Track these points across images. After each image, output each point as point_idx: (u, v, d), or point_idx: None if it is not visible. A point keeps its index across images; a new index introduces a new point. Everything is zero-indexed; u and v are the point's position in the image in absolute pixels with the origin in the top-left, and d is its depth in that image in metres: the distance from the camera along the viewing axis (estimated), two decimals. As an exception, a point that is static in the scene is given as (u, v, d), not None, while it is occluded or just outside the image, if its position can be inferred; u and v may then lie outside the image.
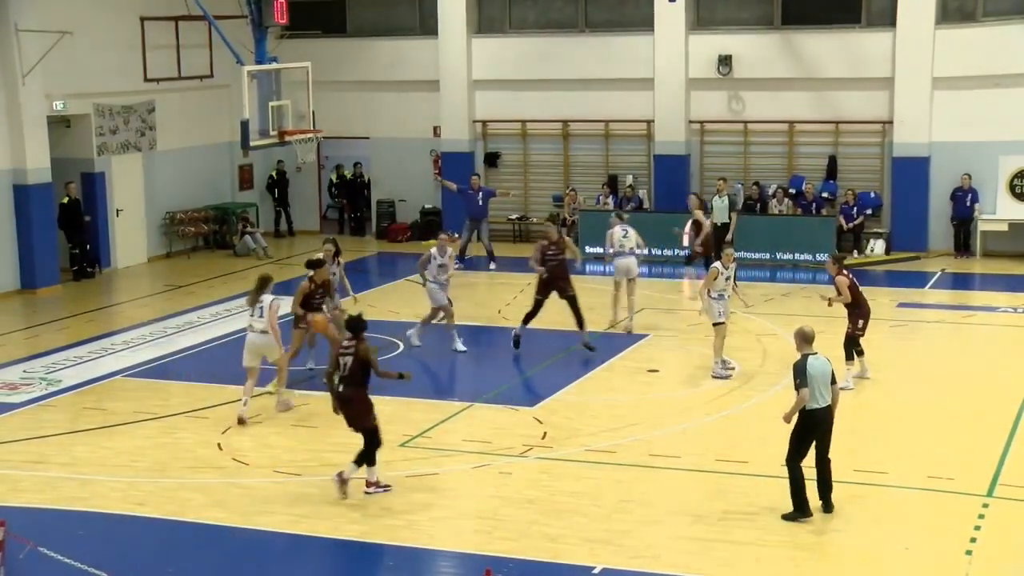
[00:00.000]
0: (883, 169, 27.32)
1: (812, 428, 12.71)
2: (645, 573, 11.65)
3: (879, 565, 11.86)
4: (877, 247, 26.84)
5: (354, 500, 13.52)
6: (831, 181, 27.41)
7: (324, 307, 17.67)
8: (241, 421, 16.22)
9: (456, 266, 21.27)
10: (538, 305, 19.28)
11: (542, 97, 29.25)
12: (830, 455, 12.87)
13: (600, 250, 24.08)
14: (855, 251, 26.61)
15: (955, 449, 14.94)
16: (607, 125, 29.00)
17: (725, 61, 27.62)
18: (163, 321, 22.18)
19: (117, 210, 27.24)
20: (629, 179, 28.43)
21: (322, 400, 17.05)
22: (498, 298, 23.41)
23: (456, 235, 26.09)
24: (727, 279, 18.04)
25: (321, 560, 12.29)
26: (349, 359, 13.45)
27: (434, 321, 19.79)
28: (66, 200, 25.50)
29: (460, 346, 19.57)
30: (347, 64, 30.29)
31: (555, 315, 21.56)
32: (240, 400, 16.38)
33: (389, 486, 13.68)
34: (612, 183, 28.53)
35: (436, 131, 30.16)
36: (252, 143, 22.26)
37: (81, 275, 25.96)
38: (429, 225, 29.85)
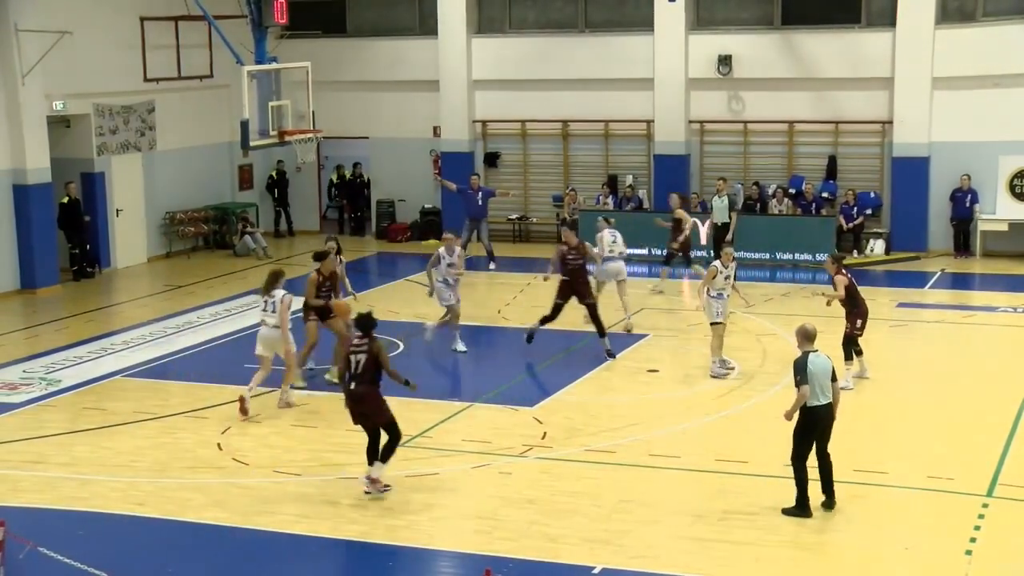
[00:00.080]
0: (883, 169, 27.32)
1: (813, 426, 12.73)
2: (645, 573, 11.65)
3: (879, 565, 11.86)
4: (877, 247, 26.85)
5: (354, 500, 13.52)
6: (831, 181, 27.41)
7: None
8: (243, 404, 16.26)
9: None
10: (556, 309, 19.20)
11: (542, 97, 29.25)
12: (829, 449, 12.90)
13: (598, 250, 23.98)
14: (855, 251, 26.62)
15: (955, 449, 14.94)
16: (607, 125, 29.00)
17: (725, 61, 27.63)
18: (163, 321, 22.18)
19: (117, 210, 27.24)
20: (629, 179, 28.44)
21: (322, 400, 17.09)
22: (498, 298, 23.41)
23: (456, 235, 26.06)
24: (726, 278, 18.05)
25: (321, 560, 12.29)
26: (362, 357, 13.42)
27: (455, 320, 19.66)
28: (66, 200, 25.51)
29: (460, 346, 19.57)
30: (347, 64, 30.30)
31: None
32: (247, 386, 16.48)
33: (389, 486, 13.67)
34: (612, 183, 28.53)
35: (436, 131, 30.16)
36: (252, 143, 22.28)
37: (81, 275, 25.97)
38: (429, 225, 29.88)
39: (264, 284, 16.84)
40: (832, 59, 27.24)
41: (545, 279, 20.30)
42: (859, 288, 17.59)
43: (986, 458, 14.44)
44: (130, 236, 27.60)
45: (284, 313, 16.48)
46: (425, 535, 12.69)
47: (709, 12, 28.40)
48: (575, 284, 19.06)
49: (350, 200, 31.19)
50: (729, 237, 23.96)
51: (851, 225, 26.64)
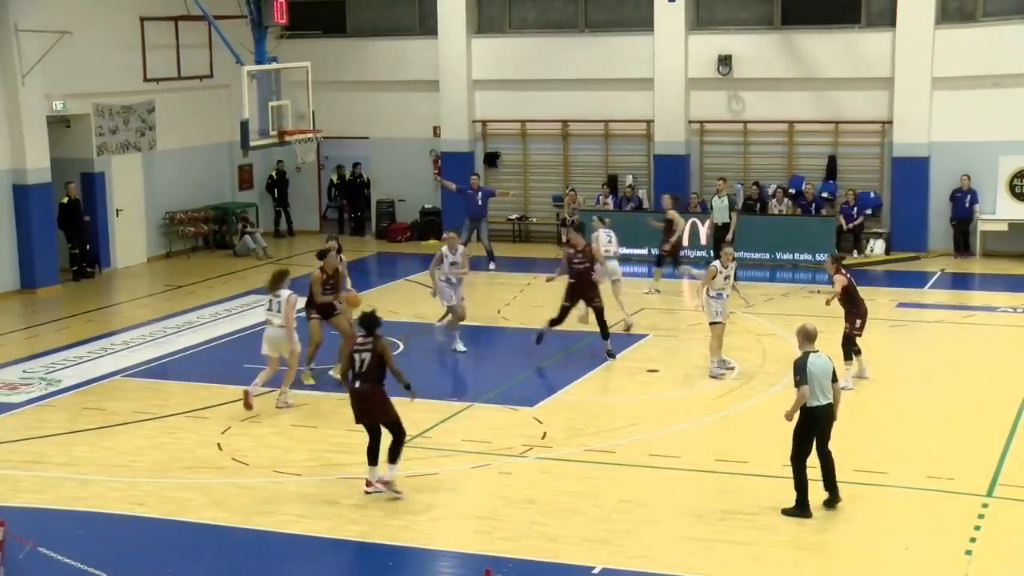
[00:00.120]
0: (883, 169, 27.32)
1: (813, 426, 12.74)
2: (645, 573, 11.65)
3: (879, 565, 11.86)
4: (877, 247, 26.85)
5: (354, 500, 13.52)
6: (831, 181, 27.41)
7: (336, 301, 17.74)
8: (247, 399, 16.31)
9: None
10: (564, 311, 19.15)
11: (542, 97, 29.25)
12: (829, 448, 12.93)
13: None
14: (855, 251, 26.62)
15: (955, 449, 14.94)
16: (607, 125, 29.00)
17: (725, 61, 27.63)
18: (163, 321, 22.18)
19: (117, 210, 27.24)
20: (629, 179, 28.44)
21: (322, 400, 17.09)
22: (498, 298, 23.41)
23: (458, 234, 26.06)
24: (726, 278, 18.06)
25: (321, 560, 12.29)
26: (367, 355, 13.40)
27: (455, 320, 19.64)
28: (66, 200, 25.51)
29: (460, 347, 19.56)
30: (347, 64, 30.30)
31: (554, 315, 21.57)
32: (252, 383, 16.53)
33: (401, 492, 13.62)
34: (612, 183, 28.53)
35: (436, 131, 30.16)
36: (252, 143, 22.27)
37: (81, 275, 25.96)
38: (429, 225, 29.89)
39: (269, 283, 16.90)
40: (832, 59, 27.24)
41: (548, 280, 20.29)
42: (859, 288, 17.59)
43: (986, 458, 14.45)
44: (130, 236, 27.60)
45: (290, 312, 16.55)
46: (425, 535, 12.69)
47: (709, 12, 28.40)
48: (582, 286, 19.01)
49: (350, 200, 31.19)
50: (729, 237, 23.95)
51: (851, 225, 26.64)
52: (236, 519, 13.07)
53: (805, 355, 12.79)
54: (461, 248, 19.60)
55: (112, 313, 23.40)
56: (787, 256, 26.04)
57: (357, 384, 13.44)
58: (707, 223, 25.91)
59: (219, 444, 15.51)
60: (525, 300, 23.31)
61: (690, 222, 26.40)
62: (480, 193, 26.46)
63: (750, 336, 20.09)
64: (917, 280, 24.69)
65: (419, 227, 30.09)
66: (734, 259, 18.44)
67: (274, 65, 23.15)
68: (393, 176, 30.77)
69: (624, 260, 25.09)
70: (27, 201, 24.42)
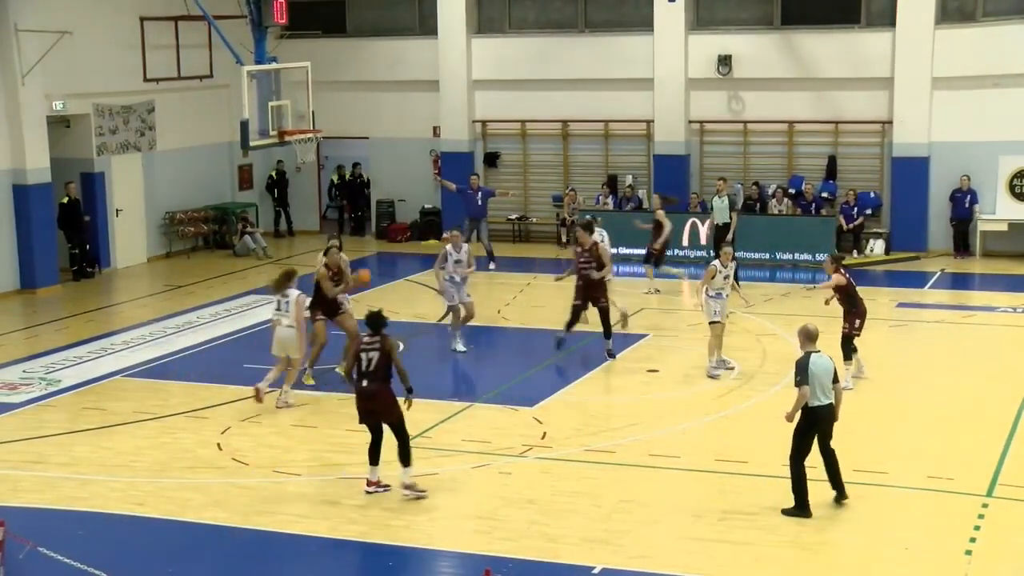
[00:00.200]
0: (883, 169, 27.32)
1: (814, 425, 12.75)
2: (645, 573, 11.65)
3: (879, 565, 11.86)
4: (877, 247, 26.85)
5: (354, 500, 13.53)
6: (831, 181, 27.41)
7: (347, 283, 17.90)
8: (258, 395, 16.45)
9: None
10: (575, 311, 19.05)
11: (542, 97, 29.25)
12: (832, 446, 12.95)
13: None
14: (855, 251, 26.62)
15: (955, 449, 14.94)
16: (607, 125, 29.00)
17: (725, 61, 27.63)
18: (163, 321, 22.18)
19: (117, 210, 27.24)
20: (629, 179, 28.44)
21: (322, 400, 17.09)
22: (498, 298, 23.40)
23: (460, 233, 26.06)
24: (725, 278, 18.06)
25: (321, 560, 12.28)
26: (375, 354, 13.39)
27: (456, 320, 19.63)
28: (66, 200, 25.51)
29: (460, 347, 19.56)
30: (347, 64, 30.30)
31: (555, 315, 21.57)
32: (263, 379, 16.65)
33: (388, 486, 13.68)
34: (612, 183, 28.53)
35: (436, 131, 30.16)
36: (252, 143, 22.28)
37: (81, 275, 25.96)
38: (429, 225, 29.90)
39: (276, 283, 16.96)
40: (832, 59, 27.23)
41: (557, 280, 20.32)
42: (859, 288, 17.59)
43: (986, 458, 14.45)
44: (130, 236, 27.60)
45: (299, 312, 16.65)
46: (425, 535, 12.69)
47: (709, 12, 28.40)
48: (588, 286, 18.96)
49: (350, 200, 31.19)
50: (730, 237, 23.93)
51: (851, 225, 26.64)
52: (236, 519, 13.07)
53: (807, 355, 12.79)
54: (465, 247, 19.58)
55: (112, 313, 23.40)
56: (787, 256, 26.04)
57: (364, 383, 13.42)
58: (707, 223, 25.89)
59: (219, 444, 15.51)
60: (525, 300, 23.32)
61: (690, 222, 26.43)
62: (480, 193, 26.46)
63: (750, 336, 20.10)
64: (917, 280, 24.69)
65: (419, 227, 30.09)
66: (734, 259, 18.46)
67: (274, 65, 23.16)
68: (393, 176, 30.77)
69: (623, 260, 25.20)
70: (27, 201, 24.42)
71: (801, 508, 12.77)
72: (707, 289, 18.08)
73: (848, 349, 17.28)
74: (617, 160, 29.09)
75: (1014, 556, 11.95)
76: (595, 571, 11.66)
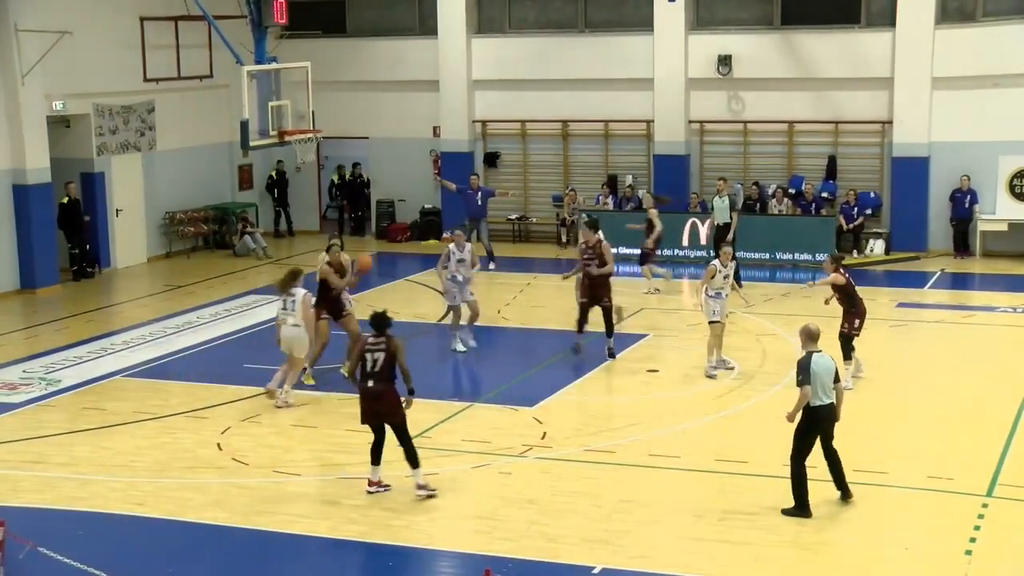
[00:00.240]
0: (883, 169, 27.32)
1: (815, 425, 12.75)
2: (645, 573, 11.65)
3: (879, 565, 11.86)
4: (877, 247, 26.84)
5: (354, 500, 13.53)
6: (831, 181, 27.41)
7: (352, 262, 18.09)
8: (270, 392, 16.61)
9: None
10: (583, 308, 18.98)
11: (542, 97, 29.25)
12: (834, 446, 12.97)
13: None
14: (855, 251, 26.62)
15: (955, 449, 14.94)
16: (607, 125, 29.00)
17: (725, 61, 27.63)
18: (163, 321, 22.18)
19: (117, 210, 27.24)
20: (629, 179, 28.43)
21: (322, 400, 17.09)
22: (497, 298, 23.39)
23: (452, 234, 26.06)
24: (725, 278, 18.07)
25: (321, 560, 12.28)
26: (380, 355, 13.37)
27: (456, 321, 19.62)
28: (66, 200, 25.50)
29: (460, 347, 19.56)
30: (347, 64, 30.30)
31: (555, 315, 21.60)
32: (272, 380, 16.78)
33: (388, 486, 13.68)
34: (612, 183, 28.53)
35: (436, 131, 30.16)
36: (252, 143, 22.28)
37: (81, 275, 25.96)
38: (429, 225, 29.90)
39: (282, 282, 17.00)
40: (832, 59, 27.23)
41: (564, 278, 20.34)
42: (859, 288, 17.58)
43: (986, 458, 14.45)
44: (130, 236, 27.60)
45: (307, 311, 16.72)
46: (425, 535, 12.69)
47: (709, 12, 28.40)
48: (592, 284, 18.89)
49: (350, 200, 31.19)
50: (730, 237, 23.92)
51: (851, 225, 26.63)
52: (236, 519, 13.07)
53: (808, 355, 12.79)
54: (468, 246, 19.58)
55: (112, 313, 23.40)
56: (787, 256, 26.04)
57: (369, 384, 13.40)
58: (707, 223, 25.89)
59: (219, 444, 15.51)
60: (525, 300, 23.32)
61: (690, 222, 26.44)
62: (480, 193, 26.46)
63: (750, 336, 20.10)
64: (917, 280, 24.69)
65: (419, 227, 30.09)
66: (733, 258, 18.46)
67: (274, 65, 23.15)
68: (393, 176, 30.77)
69: (623, 260, 25.14)
70: (27, 201, 24.42)
71: (801, 508, 12.77)
72: (707, 289, 18.09)
73: (847, 349, 17.27)
74: (617, 160, 29.09)
75: (1014, 556, 11.95)
76: (595, 571, 11.66)
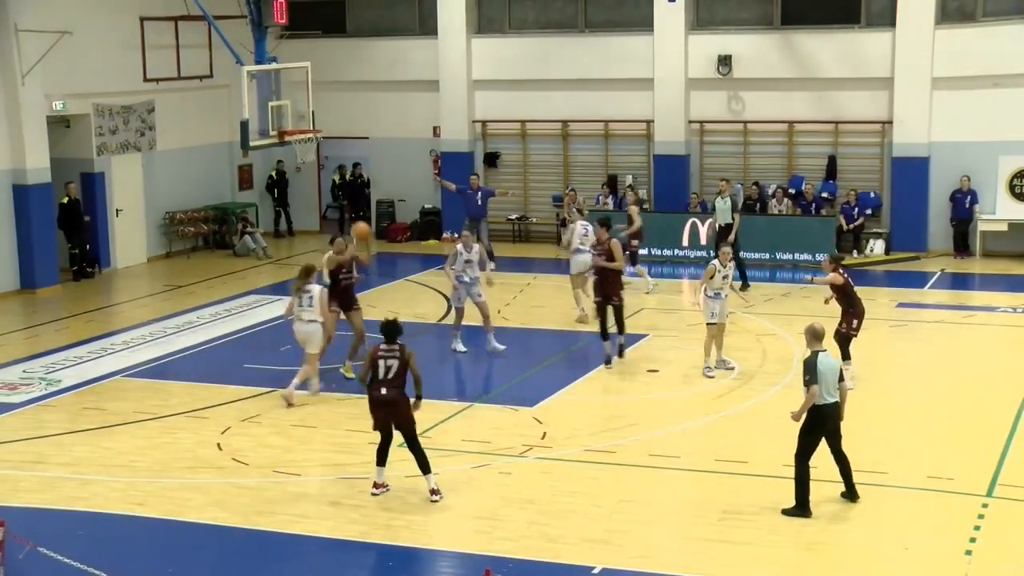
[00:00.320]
0: (883, 169, 27.32)
1: (821, 424, 12.76)
2: (645, 573, 11.65)
3: (879, 565, 11.86)
4: (877, 247, 26.84)
5: (354, 500, 13.53)
6: (831, 181, 27.41)
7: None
8: (310, 388, 16.83)
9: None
10: (599, 310, 18.88)
11: (542, 97, 29.25)
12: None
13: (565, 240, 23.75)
14: (855, 251, 26.62)
15: (955, 449, 14.94)
16: (607, 125, 28.99)
17: (725, 61, 27.62)
18: (163, 321, 22.17)
19: (117, 210, 27.24)
20: (629, 179, 28.42)
21: (322, 400, 17.09)
22: (497, 298, 23.33)
23: (457, 235, 26.05)
24: (724, 278, 18.07)
25: (321, 560, 12.28)
26: (394, 362, 13.34)
27: (458, 321, 19.61)
28: (66, 200, 25.50)
29: (460, 347, 19.55)
30: (347, 64, 30.29)
31: (554, 315, 21.62)
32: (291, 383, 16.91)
33: (388, 486, 13.67)
34: (612, 183, 28.52)
35: (436, 131, 30.16)
36: (252, 143, 22.28)
37: (81, 275, 25.95)
38: (429, 225, 29.91)
39: (297, 278, 17.10)
40: (832, 59, 27.23)
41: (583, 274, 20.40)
42: (859, 288, 17.58)
43: (986, 458, 14.44)
44: (130, 236, 27.60)
45: (324, 306, 16.83)
46: (425, 535, 12.69)
47: (709, 12, 28.39)
48: (602, 282, 18.85)
49: (350, 200, 31.18)
50: (732, 238, 23.88)
51: (851, 225, 26.63)
52: (236, 519, 13.07)
53: (814, 354, 12.79)
54: (476, 247, 19.57)
55: (112, 313, 23.39)
56: (787, 256, 26.03)
57: (383, 391, 13.36)
58: (707, 223, 25.87)
59: (219, 444, 15.51)
60: (525, 300, 23.32)
61: (690, 222, 26.45)
62: (480, 193, 26.44)
63: (750, 336, 20.09)
64: (917, 280, 24.69)
65: (419, 227, 30.10)
66: (732, 259, 18.45)
67: (274, 65, 23.15)
68: (393, 176, 30.77)
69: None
70: (27, 201, 24.41)
71: (801, 508, 12.77)
72: (706, 289, 18.09)
73: (846, 348, 17.27)
74: (617, 160, 29.09)
75: (1014, 556, 11.95)
76: (595, 571, 11.66)
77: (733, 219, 24.91)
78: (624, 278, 19.43)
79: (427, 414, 15.91)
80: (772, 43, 27.66)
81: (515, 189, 29.47)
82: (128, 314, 23.00)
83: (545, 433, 15.62)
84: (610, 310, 18.71)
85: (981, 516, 12.78)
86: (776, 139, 27.95)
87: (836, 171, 27.48)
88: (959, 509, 13.02)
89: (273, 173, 30.82)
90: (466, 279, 19.29)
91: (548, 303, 22.75)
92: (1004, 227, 26.27)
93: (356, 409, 16.18)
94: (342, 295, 17.84)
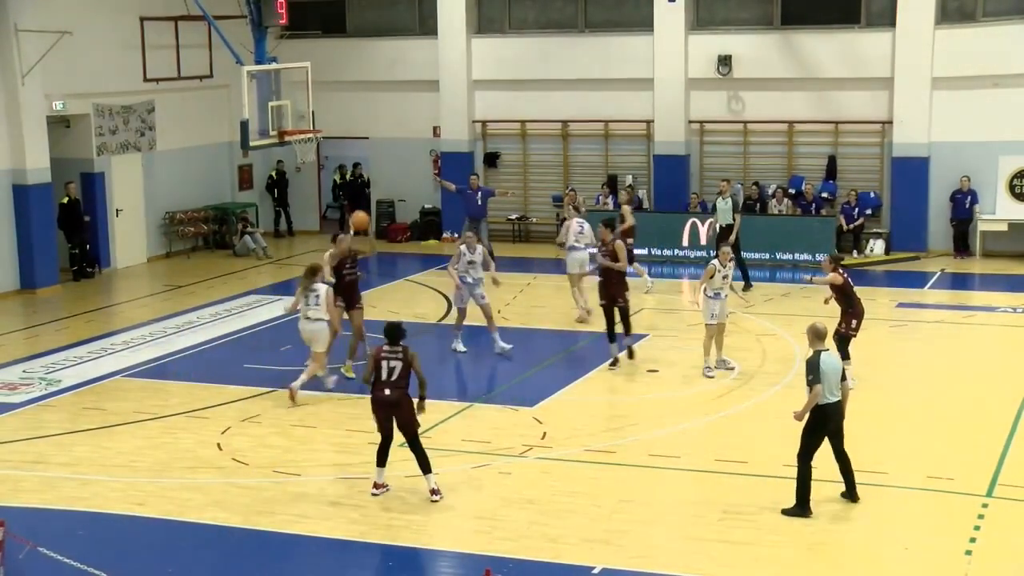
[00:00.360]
0: (883, 169, 27.31)
1: (824, 423, 12.76)
2: (645, 573, 11.65)
3: (879, 565, 11.86)
4: (877, 247, 26.83)
5: (354, 500, 13.53)
6: (831, 181, 27.41)
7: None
8: (326, 383, 17.12)
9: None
10: (607, 312, 18.77)
11: (542, 97, 29.25)
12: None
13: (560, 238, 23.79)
14: (855, 251, 26.62)
15: (955, 449, 14.94)
16: (607, 125, 28.99)
17: (725, 61, 27.62)
18: (163, 321, 22.17)
19: (117, 210, 27.23)
20: (629, 179, 28.42)
21: (322, 400, 17.09)
22: (497, 298, 23.30)
23: (457, 235, 26.08)
24: (724, 278, 18.07)
25: (321, 560, 12.28)
26: (397, 364, 13.35)
27: (460, 321, 19.61)
28: (66, 200, 25.50)
29: (460, 347, 19.56)
30: (347, 64, 30.29)
31: (554, 315, 21.62)
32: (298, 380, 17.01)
33: (388, 486, 13.67)
34: (612, 183, 28.51)
35: (436, 131, 30.16)
36: (252, 143, 22.26)
37: (81, 275, 25.95)
38: (429, 225, 29.91)
39: (304, 276, 17.17)
40: (832, 59, 27.23)
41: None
42: (859, 288, 17.58)
43: (986, 458, 14.45)
44: (130, 236, 27.59)
45: (330, 304, 16.91)
46: (425, 535, 12.69)
47: (709, 12, 28.39)
48: (607, 283, 18.82)
49: (350, 200, 31.17)
50: (732, 238, 23.86)
51: (851, 225, 26.63)
52: (236, 519, 13.08)
53: (817, 354, 12.80)
54: (480, 248, 19.57)
55: (112, 313, 23.39)
56: (787, 256, 26.03)
57: (387, 392, 13.36)
58: (707, 223, 25.87)
59: (219, 444, 15.51)
60: (525, 300, 23.31)
61: (690, 222, 26.45)
62: (480, 193, 26.42)
63: (750, 336, 20.09)
64: (917, 280, 24.69)
65: (419, 227, 30.10)
66: (732, 259, 18.46)
67: (274, 65, 23.14)
68: (393, 176, 30.77)
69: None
70: (27, 201, 24.41)
71: (802, 507, 12.78)
72: (705, 289, 18.09)
73: (846, 348, 17.26)
74: (617, 160, 29.09)
75: (1014, 556, 11.96)
76: (595, 571, 11.67)
77: (734, 219, 24.93)
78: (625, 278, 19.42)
79: (427, 414, 15.86)
80: (772, 43, 27.66)
81: (515, 189, 29.46)
82: (128, 314, 23.00)
83: (545, 433, 15.62)
84: (616, 312, 18.69)
85: (981, 516, 12.78)
86: (776, 139, 27.95)
87: (836, 171, 27.48)
88: (959, 509, 13.02)
89: (273, 173, 30.82)
90: (469, 280, 19.29)
91: (548, 303, 22.76)
92: (1004, 227, 26.27)
93: (356, 409, 16.20)
94: (346, 290, 17.84)
